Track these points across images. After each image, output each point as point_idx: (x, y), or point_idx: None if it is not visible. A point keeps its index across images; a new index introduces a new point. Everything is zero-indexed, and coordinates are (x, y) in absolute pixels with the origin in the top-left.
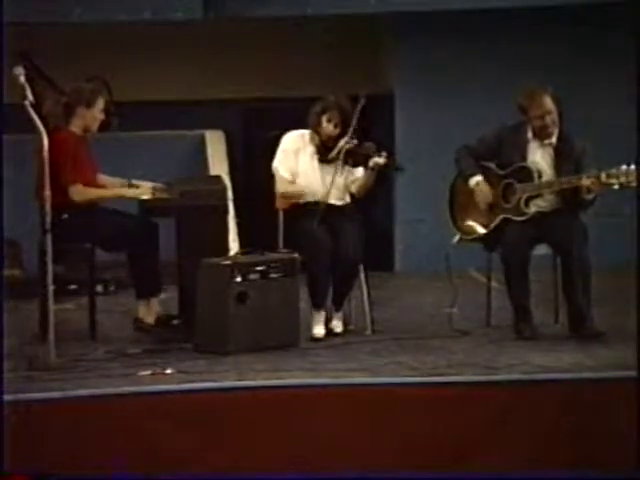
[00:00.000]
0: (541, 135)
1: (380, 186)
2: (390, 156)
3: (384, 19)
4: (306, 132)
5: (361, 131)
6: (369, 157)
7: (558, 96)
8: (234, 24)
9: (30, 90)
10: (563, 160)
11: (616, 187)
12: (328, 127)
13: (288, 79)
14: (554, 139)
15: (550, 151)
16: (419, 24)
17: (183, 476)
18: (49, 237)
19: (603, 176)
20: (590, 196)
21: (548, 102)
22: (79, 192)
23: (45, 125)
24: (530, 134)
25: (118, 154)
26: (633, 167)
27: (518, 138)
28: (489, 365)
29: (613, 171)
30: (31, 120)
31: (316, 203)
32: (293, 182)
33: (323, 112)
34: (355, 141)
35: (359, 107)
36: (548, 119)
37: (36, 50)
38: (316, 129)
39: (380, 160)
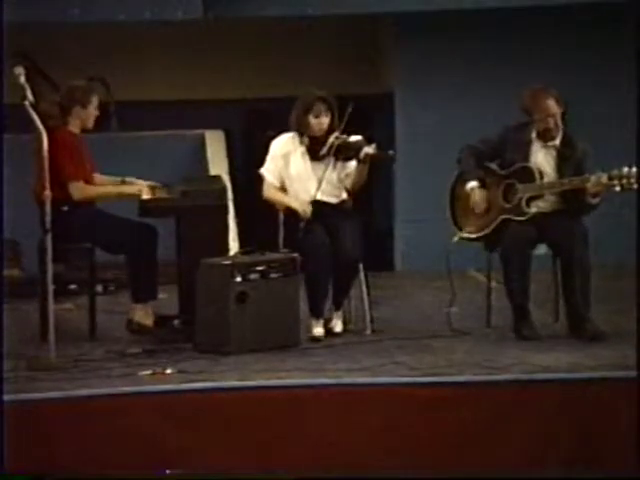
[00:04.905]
0: (545, 136)
1: (376, 182)
2: (380, 147)
3: (384, 19)
4: (296, 134)
5: (354, 131)
6: (359, 149)
7: (562, 98)
8: (234, 24)
9: (30, 90)
10: (565, 162)
11: (617, 189)
12: (317, 122)
13: (288, 79)
14: (557, 141)
15: (553, 152)
16: (419, 24)
17: (183, 476)
18: (49, 237)
19: (604, 178)
20: (595, 200)
21: (552, 104)
22: (79, 189)
23: (44, 125)
24: (534, 134)
25: (118, 154)
26: (635, 169)
27: (521, 138)
28: (489, 365)
29: (615, 173)
30: (31, 120)
31: (314, 203)
32: (282, 188)
33: (307, 110)
34: (344, 135)
35: (346, 114)
36: (551, 122)
37: (36, 50)
38: (304, 129)
39: (370, 151)
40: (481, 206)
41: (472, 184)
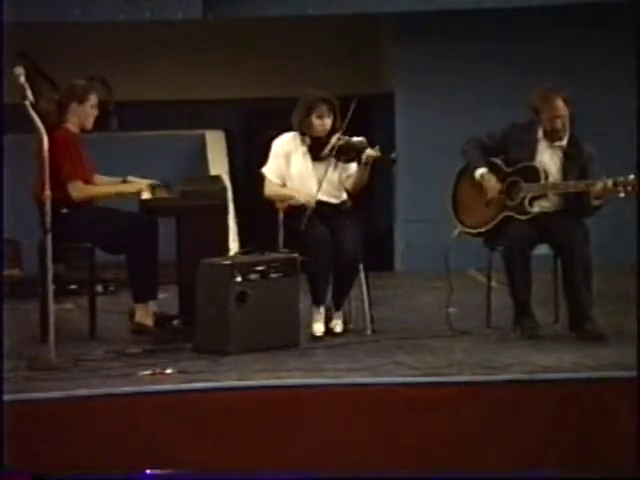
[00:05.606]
0: (552, 137)
1: (376, 182)
2: (383, 149)
3: (384, 19)
4: (298, 133)
5: (354, 131)
6: (361, 152)
7: (570, 98)
8: (234, 24)
9: (30, 90)
10: (571, 163)
11: (622, 195)
12: (319, 123)
13: (288, 79)
14: (564, 142)
15: (559, 153)
16: (419, 24)
17: (183, 476)
18: (49, 237)
19: (610, 183)
20: (598, 202)
21: (560, 105)
22: (79, 189)
23: (44, 125)
24: (540, 134)
25: (118, 154)
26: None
27: (528, 137)
28: (489, 365)
29: (620, 179)
30: (31, 120)
31: (315, 202)
32: (283, 186)
33: (310, 110)
34: (346, 137)
35: (350, 110)
36: (559, 122)
37: (36, 50)
38: (307, 129)
39: (372, 153)
40: (496, 189)
41: (482, 170)
